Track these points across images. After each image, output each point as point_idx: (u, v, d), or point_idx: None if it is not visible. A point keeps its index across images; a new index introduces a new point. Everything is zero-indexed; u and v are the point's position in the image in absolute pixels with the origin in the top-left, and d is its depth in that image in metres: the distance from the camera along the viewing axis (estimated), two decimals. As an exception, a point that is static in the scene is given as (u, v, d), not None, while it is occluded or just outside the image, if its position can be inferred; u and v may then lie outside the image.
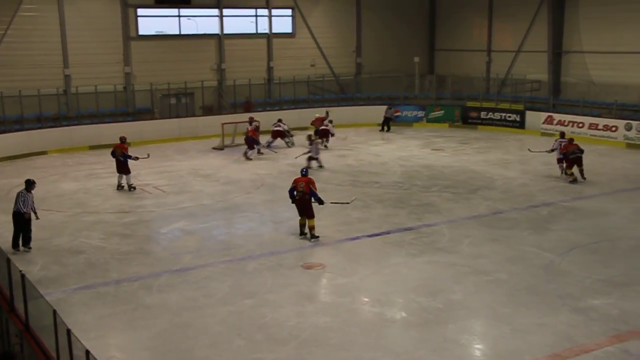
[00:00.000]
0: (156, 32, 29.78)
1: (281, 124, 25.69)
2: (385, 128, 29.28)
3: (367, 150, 24.74)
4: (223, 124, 25.67)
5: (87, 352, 6.62)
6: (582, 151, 19.19)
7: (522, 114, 28.72)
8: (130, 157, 18.87)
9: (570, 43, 29.42)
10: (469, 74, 32.49)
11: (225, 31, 30.69)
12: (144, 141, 26.68)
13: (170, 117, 28.61)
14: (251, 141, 23.65)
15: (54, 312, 7.71)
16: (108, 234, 14.89)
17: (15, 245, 13.60)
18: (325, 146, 24.93)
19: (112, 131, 26.35)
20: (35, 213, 13.87)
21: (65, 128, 25.96)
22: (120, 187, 19.05)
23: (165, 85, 28.63)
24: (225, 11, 30.62)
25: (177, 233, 15.06)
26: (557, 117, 27.46)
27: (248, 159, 23.33)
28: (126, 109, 28.30)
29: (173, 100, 29.45)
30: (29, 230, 13.72)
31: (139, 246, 14.06)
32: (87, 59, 27.20)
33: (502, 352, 9.19)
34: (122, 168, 18.95)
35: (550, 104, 29.12)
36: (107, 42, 27.91)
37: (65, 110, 26.93)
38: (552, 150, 20.04)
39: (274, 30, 31.97)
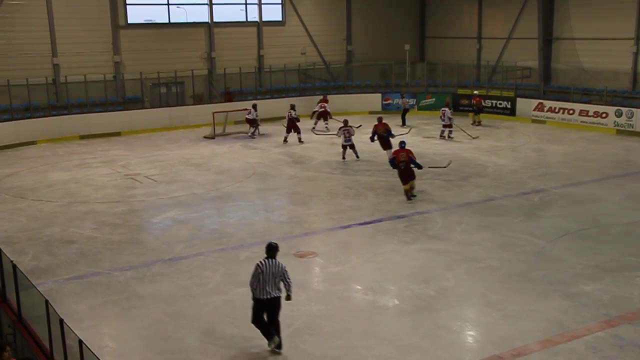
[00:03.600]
0: (145, 20, 29.58)
1: (252, 111, 25.56)
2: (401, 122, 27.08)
3: (359, 138, 24.64)
4: (214, 112, 25.58)
5: (80, 342, 6.62)
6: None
7: (513, 101, 28.78)
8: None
9: (560, 30, 29.45)
10: (459, 62, 32.48)
11: (215, 19, 30.49)
12: (134, 130, 26.63)
13: (160, 106, 28.50)
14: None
15: (47, 302, 7.70)
16: (99, 223, 14.84)
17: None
18: (326, 127, 25.75)
19: (102, 120, 26.40)
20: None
21: (54, 118, 25.77)
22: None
23: (155, 74, 28.46)
24: (215, -1, 30.47)
25: (169, 222, 15.03)
26: (547, 104, 27.53)
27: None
28: (116, 98, 28.13)
29: (163, 89, 29.30)
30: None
31: (131, 236, 14.03)
32: (76, 48, 26.96)
33: (494, 338, 9.24)
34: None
35: (541, 91, 29.20)
36: (96, 30, 27.66)
37: (55, 100, 26.73)
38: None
39: (264, 18, 31.81)
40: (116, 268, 12.12)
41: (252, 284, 8.83)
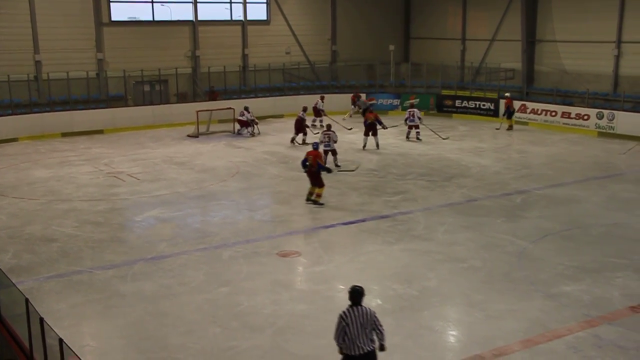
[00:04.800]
0: (129, 18, 29.42)
1: (246, 113, 25.51)
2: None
3: (343, 138, 24.67)
4: (198, 111, 25.49)
5: (61, 341, 6.56)
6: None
7: (496, 103, 28.93)
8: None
9: (543, 32, 29.66)
10: (443, 63, 32.61)
11: (200, 18, 30.40)
12: (117, 128, 26.46)
13: (144, 105, 28.34)
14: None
15: (27, 300, 7.62)
16: (81, 222, 14.72)
17: None
18: (322, 125, 25.64)
19: (84, 118, 26.20)
20: None
21: (36, 115, 25.52)
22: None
23: (138, 72, 28.31)
24: (200, -3, 30.36)
25: (152, 221, 14.95)
26: (530, 105, 27.70)
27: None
28: (99, 95, 27.95)
29: (147, 88, 29.15)
30: None
31: (113, 234, 13.93)
32: (58, 45, 26.76)
33: (476, 338, 9.28)
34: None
35: (524, 93, 29.40)
36: (78, 27, 27.46)
37: (37, 97, 26.49)
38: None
39: (248, 17, 31.76)
40: (98, 267, 12.03)
41: (337, 339, 7.33)
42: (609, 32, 26.67)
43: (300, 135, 23.47)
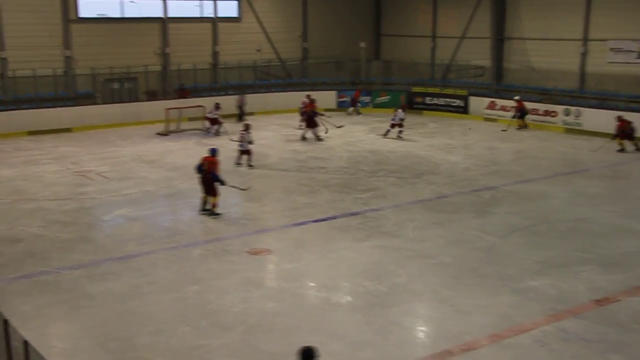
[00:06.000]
0: (97, 14, 28.99)
1: (213, 110, 25.37)
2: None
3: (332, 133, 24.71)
4: (167, 109, 25.28)
5: (26, 343, 6.48)
6: (632, 130, 21.47)
7: (466, 100, 29.20)
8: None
9: (512, 30, 29.99)
10: (414, 60, 32.82)
11: (170, 14, 30.13)
12: (85, 127, 26.11)
13: (113, 102, 28.01)
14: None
15: (-9, 302, 7.51)
16: (48, 221, 14.51)
17: None
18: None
19: (51, 116, 25.79)
20: None
21: (2, 113, 24.99)
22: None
23: (107, 70, 27.97)
24: (169, -6, 30.09)
25: (120, 220, 14.80)
26: (499, 102, 28.01)
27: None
28: (67, 93, 27.54)
29: (116, 85, 28.82)
30: None
31: (81, 234, 13.76)
32: (24, 42, 26.23)
33: (445, 333, 9.37)
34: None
35: (493, 90, 29.70)
36: (46, 24, 27.01)
37: (2, 95, 26.03)
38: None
39: (219, 15, 31.55)
40: (65, 267, 11.87)
41: None
42: (575, 30, 27.07)
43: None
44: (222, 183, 14.75)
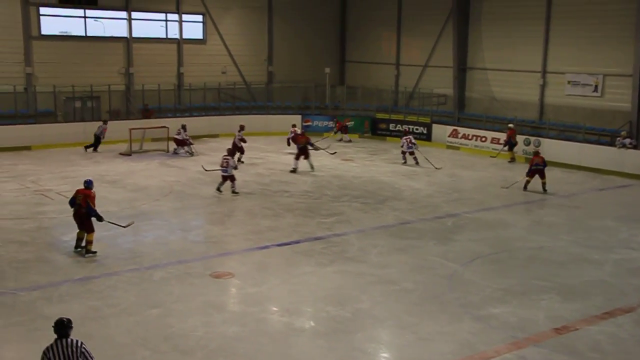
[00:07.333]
0: (60, 32, 28.73)
1: (182, 132, 25.23)
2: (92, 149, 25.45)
3: (278, 159, 24.76)
4: (131, 129, 25.03)
5: (-20, 367, 6.28)
6: (544, 164, 20.39)
7: (429, 127, 29.59)
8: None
9: (474, 60, 30.59)
10: (378, 86, 33.19)
11: (134, 34, 30.00)
12: (45, 145, 25.68)
13: (75, 121, 27.64)
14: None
15: (-56, 324, 7.27)
16: (5, 241, 14.18)
17: None
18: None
19: (10, 134, 25.35)
20: None
21: (-41, 129, 24.57)
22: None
23: (69, 88, 27.65)
24: (134, 14, 29.93)
25: (80, 241, 14.51)
26: (461, 130, 28.46)
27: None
28: (27, 111, 27.10)
29: (78, 104, 28.47)
30: None
31: (39, 254, 13.47)
32: (-17, 57, 25.91)
33: None
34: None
35: (456, 118, 30.18)
36: (6, 40, 26.65)
37: (-40, 111, 25.53)
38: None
39: (184, 36, 31.56)
40: (22, 288, 11.59)
41: None
42: (535, 62, 27.75)
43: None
44: (99, 219, 13.40)
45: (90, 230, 13.42)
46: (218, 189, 19.07)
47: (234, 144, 23.45)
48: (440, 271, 13.05)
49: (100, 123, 25.72)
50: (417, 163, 24.29)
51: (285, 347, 9.66)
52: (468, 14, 30.39)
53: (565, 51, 26.79)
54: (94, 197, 13.52)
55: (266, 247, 14.34)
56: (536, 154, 21.07)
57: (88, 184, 13.62)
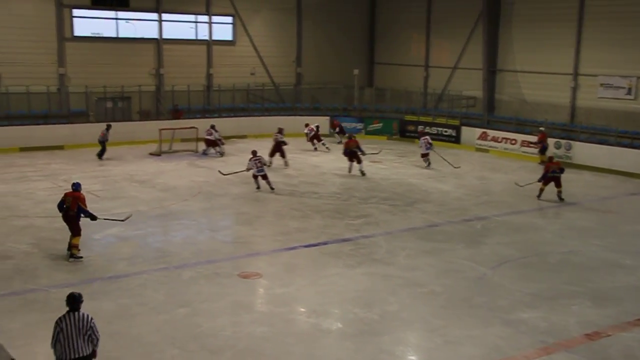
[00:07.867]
0: (92, 33, 29.14)
1: (213, 132, 25.40)
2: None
3: (306, 161, 24.83)
4: (161, 129, 25.29)
5: (14, 361, 6.41)
6: (562, 170, 19.31)
7: (458, 129, 29.41)
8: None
9: (504, 62, 30.32)
10: (407, 88, 33.07)
11: (165, 36, 30.30)
12: (78, 144, 26.07)
13: (106, 121, 27.96)
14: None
15: (-21, 319, 7.42)
16: (38, 239, 14.42)
17: None
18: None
19: (44, 133, 25.81)
20: None
21: (-6, 128, 25.06)
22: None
23: (101, 89, 28.04)
24: (165, 16, 30.22)
25: (111, 239, 14.72)
26: (491, 133, 28.24)
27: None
28: (60, 111, 27.54)
29: (109, 104, 28.85)
30: None
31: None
32: (18, 58, 26.33)
33: (436, 363, 9.34)
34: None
35: (485, 120, 29.92)
36: (40, 41, 27.11)
37: (-5, 110, 26.01)
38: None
39: (214, 37, 31.77)
40: (54, 285, 11.77)
41: (51, 345, 7.55)
42: (566, 65, 27.38)
43: (273, 157, 23.24)
44: (93, 218, 13.34)
45: (77, 233, 13.22)
46: (258, 188, 19.56)
47: (277, 144, 23.48)
48: (469, 274, 12.96)
49: (104, 128, 24.85)
50: (429, 165, 24.15)
51: (313, 348, 9.68)
52: (498, 16, 30.11)
53: (598, 53, 26.40)
54: (84, 199, 13.37)
55: (294, 248, 14.38)
56: (551, 159, 20.36)
57: (76, 187, 13.43)
